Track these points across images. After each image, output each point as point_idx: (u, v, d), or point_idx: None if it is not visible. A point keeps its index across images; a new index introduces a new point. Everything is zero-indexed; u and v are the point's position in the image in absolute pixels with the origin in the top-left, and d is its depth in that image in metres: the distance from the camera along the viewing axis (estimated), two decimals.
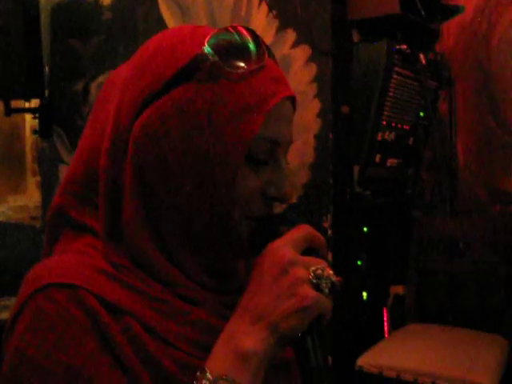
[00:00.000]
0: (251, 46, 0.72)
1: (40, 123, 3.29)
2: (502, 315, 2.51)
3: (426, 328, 2.54)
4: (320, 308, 0.66)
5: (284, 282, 0.66)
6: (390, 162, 2.63)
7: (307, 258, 0.68)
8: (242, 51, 0.71)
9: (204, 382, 0.64)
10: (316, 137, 2.38)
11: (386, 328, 2.61)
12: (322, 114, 2.38)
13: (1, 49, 2.99)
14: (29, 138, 3.98)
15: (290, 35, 2.47)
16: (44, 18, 3.16)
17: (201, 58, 0.70)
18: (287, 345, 0.67)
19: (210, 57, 0.70)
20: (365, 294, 2.50)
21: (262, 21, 2.55)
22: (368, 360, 2.17)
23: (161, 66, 0.71)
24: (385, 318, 2.63)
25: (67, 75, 3.20)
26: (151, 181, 0.71)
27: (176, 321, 0.71)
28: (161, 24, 2.84)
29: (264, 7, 2.54)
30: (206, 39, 0.71)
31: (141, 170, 0.71)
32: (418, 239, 2.72)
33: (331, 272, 0.67)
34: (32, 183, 3.96)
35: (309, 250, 0.70)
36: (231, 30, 0.73)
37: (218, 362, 0.65)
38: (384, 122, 2.49)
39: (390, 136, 2.55)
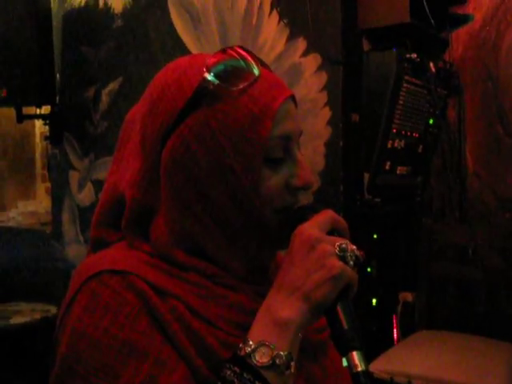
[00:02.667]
0: (243, 62, 0.81)
1: (51, 129, 3.33)
2: None
3: (435, 335, 2.55)
4: (347, 277, 0.73)
5: (313, 256, 0.73)
6: (400, 169, 2.65)
7: (332, 236, 0.76)
8: (237, 67, 0.81)
9: (247, 348, 0.71)
10: (326, 144, 2.40)
11: (395, 335, 2.63)
12: (332, 122, 2.40)
13: (13, 55, 3.02)
14: (39, 144, 4.02)
15: (301, 44, 2.49)
16: (56, 26, 3.19)
17: (204, 85, 0.79)
18: (320, 313, 0.74)
19: (211, 82, 0.79)
20: (374, 301, 2.52)
21: (272, 29, 2.57)
22: (379, 366, 2.19)
23: (172, 101, 0.80)
24: (394, 325, 2.64)
25: (78, 82, 3.23)
26: (187, 198, 0.80)
27: (215, 303, 0.79)
28: (172, 32, 2.87)
29: (275, 16, 2.57)
30: (204, 67, 0.80)
31: (176, 191, 0.80)
32: (428, 246, 2.73)
33: (354, 247, 0.75)
34: (41, 189, 3.99)
35: (332, 231, 0.77)
36: (222, 53, 0.82)
37: (259, 331, 0.73)
38: (394, 130, 2.51)
39: (399, 144, 2.56)
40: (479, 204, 2.86)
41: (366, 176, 2.50)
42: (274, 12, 2.56)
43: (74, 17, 3.24)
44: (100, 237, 0.87)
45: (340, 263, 0.72)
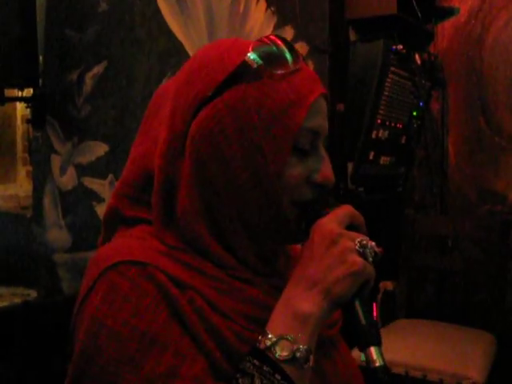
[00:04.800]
0: (288, 50, 0.82)
1: (33, 113, 3.29)
2: (490, 312, 2.57)
3: (415, 323, 2.59)
4: (366, 273, 0.73)
5: (334, 251, 0.73)
6: (383, 159, 2.67)
7: (351, 232, 0.76)
8: (281, 54, 0.81)
9: (266, 341, 0.71)
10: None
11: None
12: None
13: None
14: (20, 127, 3.97)
15: (288, 32, 2.50)
16: (39, 8, 3.15)
17: (246, 64, 0.80)
18: (339, 308, 0.74)
19: (255, 62, 0.79)
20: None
21: (260, 17, 2.57)
22: (359, 353, 2.21)
23: (211, 73, 0.80)
24: (375, 313, 2.67)
25: (62, 65, 3.20)
26: (209, 173, 0.79)
27: (231, 297, 0.78)
28: (157, 17, 2.85)
29: (262, 3, 2.57)
30: (250, 47, 0.81)
31: (200, 165, 0.79)
32: (409, 236, 2.76)
33: (373, 243, 0.75)
34: (22, 172, 3.95)
35: (350, 226, 0.77)
36: (267, 39, 0.83)
37: (279, 324, 0.73)
38: (378, 121, 2.52)
39: (383, 134, 2.58)
40: (460, 196, 2.90)
41: (350, 165, 2.52)
42: (262, 0, 2.56)
43: None
44: (115, 206, 0.85)
45: (361, 259, 0.72)
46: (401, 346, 2.27)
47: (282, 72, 0.79)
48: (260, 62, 0.79)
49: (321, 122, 0.83)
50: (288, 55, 0.81)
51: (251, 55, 0.80)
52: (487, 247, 2.68)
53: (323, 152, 0.84)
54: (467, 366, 2.14)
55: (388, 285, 2.70)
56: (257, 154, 0.78)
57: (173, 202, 0.81)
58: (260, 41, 0.83)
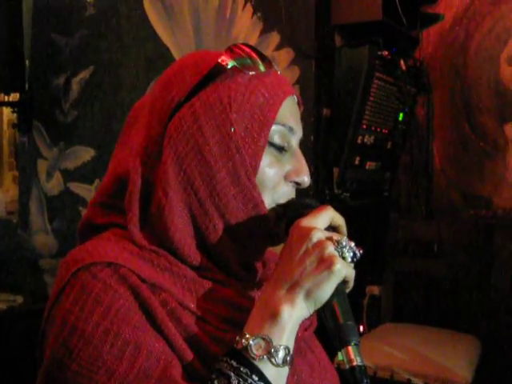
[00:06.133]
0: (259, 54, 0.86)
1: (19, 117, 3.27)
2: (475, 316, 2.59)
3: (401, 327, 2.60)
4: (344, 273, 0.72)
5: (311, 251, 0.73)
6: (369, 164, 2.69)
7: (330, 232, 0.76)
8: (252, 58, 0.85)
9: (243, 341, 0.71)
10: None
11: (361, 327, 2.67)
12: (303, 117, 2.40)
13: None
14: (6, 131, 3.94)
15: (274, 38, 2.51)
16: (26, 12, 3.14)
17: (220, 65, 0.83)
18: (317, 307, 0.73)
19: (228, 63, 0.83)
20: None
21: (246, 22, 2.58)
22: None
23: (187, 77, 0.83)
24: (361, 318, 2.68)
25: (48, 70, 3.19)
26: (187, 171, 0.79)
27: (204, 298, 0.78)
28: (144, 22, 2.85)
29: (249, 9, 2.58)
30: (223, 53, 0.84)
31: (177, 163, 0.80)
32: (394, 240, 2.78)
33: (352, 243, 0.75)
34: (8, 177, 3.92)
35: (331, 227, 0.78)
36: (238, 47, 0.86)
37: (256, 324, 0.72)
38: (364, 126, 2.54)
39: (369, 139, 2.60)
40: (445, 200, 2.92)
41: (336, 171, 2.53)
42: (248, 5, 2.57)
43: (45, 3, 3.19)
44: (87, 216, 0.86)
45: (338, 259, 0.72)
46: (386, 350, 2.28)
47: (254, 73, 0.83)
48: (233, 63, 0.82)
49: (295, 120, 0.85)
50: (259, 59, 0.85)
51: (225, 58, 0.83)
52: (472, 251, 2.70)
53: (299, 151, 0.86)
54: (452, 369, 2.15)
55: (374, 289, 2.72)
56: (233, 150, 0.79)
57: (147, 203, 0.81)
58: (232, 48, 0.85)
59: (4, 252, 3.37)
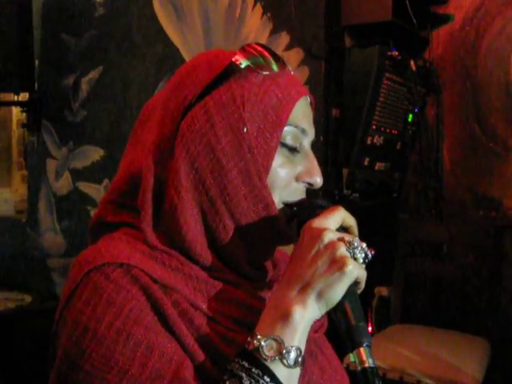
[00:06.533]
0: (272, 55, 0.86)
1: (28, 117, 3.29)
2: (485, 318, 2.57)
3: (410, 329, 2.59)
4: (356, 274, 0.72)
5: (323, 252, 0.72)
6: (378, 165, 2.68)
7: (342, 233, 0.75)
8: (266, 58, 0.85)
9: (255, 342, 0.70)
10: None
11: (370, 328, 2.66)
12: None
13: None
14: (15, 131, 3.96)
15: (284, 38, 2.51)
16: (36, 12, 3.15)
17: (234, 64, 0.83)
18: (328, 308, 0.72)
19: (242, 63, 0.83)
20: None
21: (256, 22, 2.58)
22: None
23: (200, 76, 0.83)
24: (369, 319, 2.68)
25: (58, 70, 3.20)
26: (199, 170, 0.79)
27: (215, 299, 0.78)
28: (154, 22, 2.86)
29: (259, 9, 2.57)
30: (237, 52, 0.84)
31: (190, 161, 0.79)
32: (404, 241, 2.76)
33: (364, 244, 0.75)
34: (18, 177, 3.94)
35: (342, 228, 0.77)
36: (252, 47, 0.86)
37: (268, 325, 0.72)
38: (374, 126, 2.53)
39: (379, 140, 2.59)
40: (454, 201, 2.90)
41: (345, 171, 2.52)
42: (258, 5, 2.57)
43: (54, 4, 3.21)
44: (99, 214, 0.86)
45: (350, 260, 0.71)
46: (395, 351, 2.27)
47: (268, 73, 0.83)
48: (247, 62, 0.82)
49: (307, 122, 0.85)
50: (273, 59, 0.85)
51: (238, 57, 0.83)
52: (481, 252, 2.69)
53: (311, 153, 0.86)
54: (461, 371, 2.14)
55: (383, 290, 2.71)
56: (245, 149, 0.79)
57: (160, 202, 0.81)
58: (245, 48, 0.85)
59: (13, 251, 3.38)
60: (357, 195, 2.57)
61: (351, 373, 0.75)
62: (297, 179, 0.83)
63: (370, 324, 2.68)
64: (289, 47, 2.48)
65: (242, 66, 0.82)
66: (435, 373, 2.14)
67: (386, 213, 2.92)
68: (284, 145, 0.82)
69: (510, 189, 2.79)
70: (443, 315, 2.85)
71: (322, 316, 0.73)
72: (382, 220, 2.87)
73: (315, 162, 0.85)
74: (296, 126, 0.83)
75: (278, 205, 0.82)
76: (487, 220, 2.80)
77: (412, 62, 2.64)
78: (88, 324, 0.71)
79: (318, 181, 0.85)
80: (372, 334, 2.63)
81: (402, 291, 2.70)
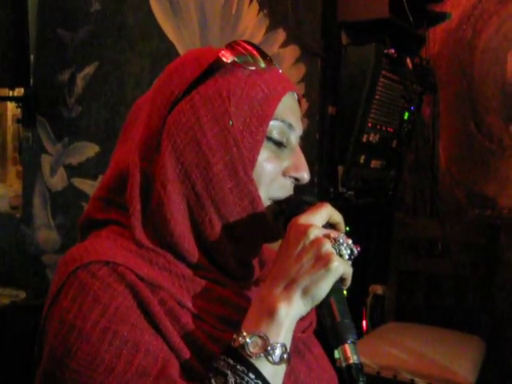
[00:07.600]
0: (259, 51, 0.86)
1: (23, 112, 3.27)
2: (479, 316, 2.58)
3: (404, 327, 2.59)
4: (341, 270, 0.72)
5: (309, 249, 0.73)
6: (374, 163, 2.68)
7: (328, 229, 0.76)
8: (253, 54, 0.85)
9: (240, 339, 0.70)
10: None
11: (365, 326, 2.66)
12: (308, 114, 2.41)
13: None
14: (10, 126, 3.94)
15: (280, 35, 2.50)
16: (31, 7, 3.13)
17: (220, 60, 0.83)
18: (314, 305, 0.73)
19: (227, 58, 0.83)
20: (344, 292, 2.54)
21: (252, 19, 2.57)
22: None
23: (188, 71, 0.83)
24: (364, 317, 2.68)
25: (53, 65, 3.18)
26: (185, 164, 0.79)
27: (202, 297, 0.78)
28: (150, 18, 2.84)
29: (255, 6, 2.56)
30: (223, 49, 0.85)
31: (176, 156, 0.79)
32: (399, 239, 2.77)
33: (350, 240, 0.75)
34: (12, 172, 3.92)
35: (329, 224, 0.78)
36: (238, 44, 0.87)
37: (253, 322, 0.72)
38: (369, 124, 2.53)
39: (374, 138, 2.59)
40: (450, 200, 2.91)
41: (341, 169, 2.52)
42: (254, 2, 2.56)
43: None
44: (88, 210, 0.86)
45: (335, 256, 0.72)
46: (389, 349, 2.27)
47: (254, 68, 0.84)
48: (233, 58, 0.83)
49: (294, 117, 0.85)
50: (260, 56, 0.85)
51: (225, 53, 0.83)
52: (476, 251, 2.69)
53: (298, 148, 0.86)
54: (456, 370, 2.15)
55: (377, 288, 2.71)
56: (231, 143, 0.79)
57: (147, 199, 0.81)
58: (232, 44, 0.86)
59: (7, 247, 3.37)
60: (352, 193, 2.57)
61: (341, 371, 0.75)
62: (284, 174, 0.83)
63: (364, 322, 2.68)
64: (285, 44, 2.48)
65: (229, 62, 0.83)
66: (429, 372, 2.14)
67: (381, 211, 2.92)
68: (270, 139, 0.82)
69: (506, 187, 2.80)
70: (438, 313, 2.86)
71: (308, 313, 0.74)
72: (377, 218, 2.86)
73: (302, 158, 0.86)
74: (282, 121, 0.83)
75: (265, 201, 0.82)
76: (482, 218, 2.80)
77: (408, 60, 2.64)
78: (74, 322, 0.71)
79: (305, 176, 0.85)
80: (366, 331, 2.63)
81: (396, 289, 2.70)
